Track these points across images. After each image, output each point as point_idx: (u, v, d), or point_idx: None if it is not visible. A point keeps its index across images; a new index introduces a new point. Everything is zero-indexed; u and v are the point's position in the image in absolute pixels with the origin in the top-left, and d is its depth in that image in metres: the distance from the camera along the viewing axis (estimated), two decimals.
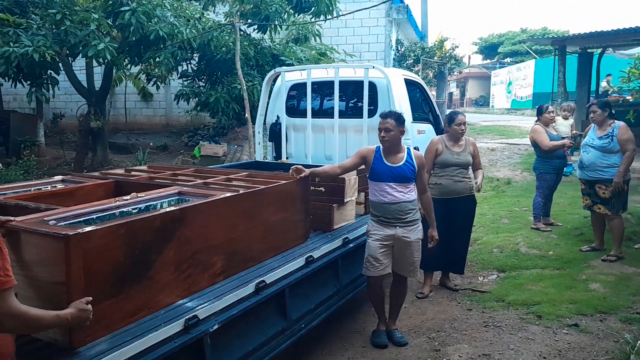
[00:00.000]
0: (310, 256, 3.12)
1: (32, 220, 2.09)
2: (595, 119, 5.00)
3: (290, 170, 3.29)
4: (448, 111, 12.29)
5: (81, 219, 2.27)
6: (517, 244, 5.54)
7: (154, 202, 2.65)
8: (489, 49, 39.27)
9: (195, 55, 10.57)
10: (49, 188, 3.00)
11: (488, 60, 38.97)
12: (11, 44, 7.27)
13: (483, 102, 34.59)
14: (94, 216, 2.33)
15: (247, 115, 8.40)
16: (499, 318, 3.90)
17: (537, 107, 6.37)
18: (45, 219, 2.14)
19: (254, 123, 6.77)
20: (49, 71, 8.36)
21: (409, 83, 5.40)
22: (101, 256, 1.97)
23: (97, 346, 1.92)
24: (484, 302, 4.22)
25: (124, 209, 2.48)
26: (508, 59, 34.84)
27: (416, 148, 4.16)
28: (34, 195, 2.75)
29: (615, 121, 4.97)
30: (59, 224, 2.11)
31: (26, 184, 3.12)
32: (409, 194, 3.39)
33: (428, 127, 5.69)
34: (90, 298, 1.79)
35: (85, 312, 1.75)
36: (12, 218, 2.03)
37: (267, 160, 5.77)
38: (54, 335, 1.90)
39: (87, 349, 1.90)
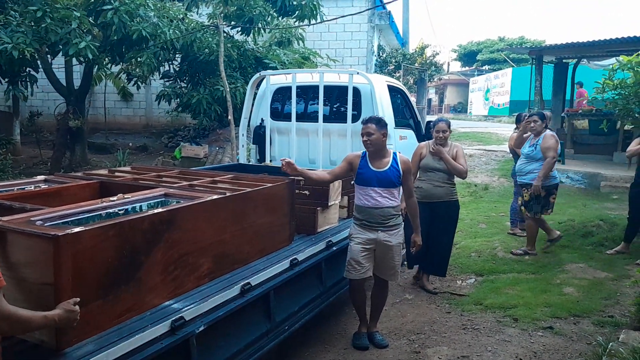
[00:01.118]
0: (295, 259, 3.15)
1: (19, 221, 2.07)
2: (535, 129, 5.25)
3: (282, 162, 3.20)
4: (428, 117, 12.41)
5: (68, 220, 2.26)
6: (494, 249, 5.67)
7: (141, 204, 2.65)
8: (468, 57, 39.90)
9: (177, 56, 10.49)
10: (32, 188, 2.96)
11: (467, 68, 39.58)
12: None
13: (461, 108, 35.12)
14: (81, 217, 2.32)
15: (230, 117, 8.37)
16: (477, 321, 3.99)
17: (516, 115, 6.55)
18: (32, 219, 2.12)
19: (236, 125, 6.76)
20: (28, 69, 8.21)
21: (392, 89, 5.49)
22: (90, 257, 1.97)
23: (84, 347, 1.92)
24: (463, 305, 4.31)
25: (111, 210, 2.47)
26: (486, 67, 35.46)
27: None
28: (18, 195, 2.72)
29: (548, 130, 5.25)
30: (46, 224, 2.10)
31: (8, 184, 3.07)
32: (392, 199, 3.45)
33: (410, 133, 5.78)
34: (78, 299, 1.80)
35: (72, 313, 1.76)
36: None
37: (250, 163, 5.78)
38: (41, 337, 1.89)
39: (74, 349, 1.90)
